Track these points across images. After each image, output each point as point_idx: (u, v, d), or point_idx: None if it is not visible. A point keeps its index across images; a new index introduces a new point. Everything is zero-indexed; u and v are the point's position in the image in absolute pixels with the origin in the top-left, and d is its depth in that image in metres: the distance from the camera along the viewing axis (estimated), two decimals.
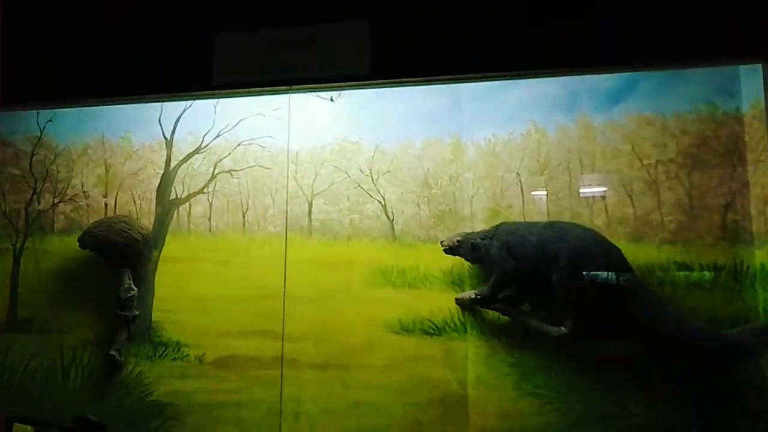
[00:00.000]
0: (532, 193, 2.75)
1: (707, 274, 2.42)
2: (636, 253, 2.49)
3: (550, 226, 2.60)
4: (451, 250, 2.73)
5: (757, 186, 2.38)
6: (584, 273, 2.43)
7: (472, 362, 2.74)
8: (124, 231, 2.73)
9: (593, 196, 2.66)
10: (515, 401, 2.63)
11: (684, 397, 2.36)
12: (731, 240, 2.44)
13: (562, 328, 2.51)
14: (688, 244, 2.49)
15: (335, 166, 2.90)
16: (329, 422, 2.72)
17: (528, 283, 2.63)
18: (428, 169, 2.90)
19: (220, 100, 2.96)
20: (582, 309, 2.48)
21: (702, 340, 2.30)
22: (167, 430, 2.69)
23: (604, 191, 2.65)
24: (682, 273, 2.45)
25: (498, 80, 2.79)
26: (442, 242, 2.74)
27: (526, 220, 2.73)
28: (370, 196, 2.88)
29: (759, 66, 2.45)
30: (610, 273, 2.42)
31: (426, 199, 2.89)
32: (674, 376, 2.38)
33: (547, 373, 2.61)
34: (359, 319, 2.81)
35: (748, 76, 2.51)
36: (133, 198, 2.89)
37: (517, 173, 2.78)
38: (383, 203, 2.88)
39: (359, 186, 2.88)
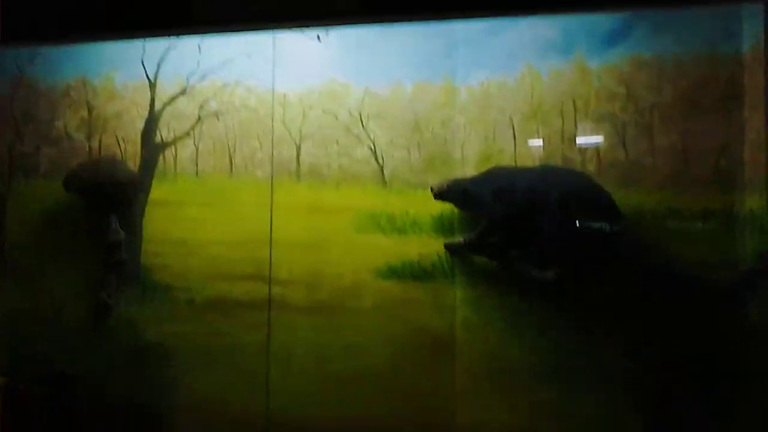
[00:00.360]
0: (525, 137, 2.70)
1: (698, 220, 2.41)
2: (627, 198, 2.47)
3: (541, 170, 2.57)
4: (440, 195, 2.70)
5: (752, 130, 2.34)
6: (573, 218, 2.41)
7: (460, 306, 2.76)
8: (109, 174, 2.68)
9: (586, 141, 2.62)
10: (502, 344, 2.67)
11: (668, 342, 2.39)
12: (723, 185, 2.42)
13: (550, 273, 2.52)
14: (679, 188, 2.46)
15: (324, 109, 2.83)
16: (319, 365, 2.76)
17: (517, 228, 2.62)
18: (419, 113, 2.84)
19: (205, 40, 2.85)
20: (570, 254, 2.48)
21: (690, 286, 2.31)
22: (158, 372, 2.73)
23: (598, 135, 2.61)
24: (672, 218, 2.44)
25: (492, 20, 2.69)
26: (432, 187, 2.71)
27: (518, 164, 2.69)
28: (360, 140, 2.83)
29: (760, 5, 2.36)
30: (599, 218, 2.41)
31: (417, 143, 2.84)
32: (659, 319, 2.41)
33: (533, 318, 2.64)
34: (348, 264, 2.81)
35: (749, 16, 2.43)
36: (118, 141, 2.82)
37: (510, 117, 2.73)
38: (373, 148, 2.83)
39: (348, 130, 2.83)
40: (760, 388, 1.82)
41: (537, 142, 2.69)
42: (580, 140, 2.62)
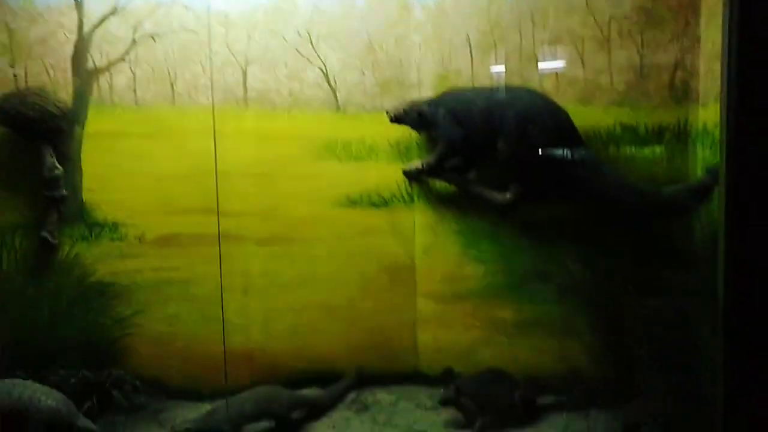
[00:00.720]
0: (482, 57, 2.60)
1: (651, 135, 2.41)
2: (584, 116, 2.44)
3: (498, 90, 2.51)
4: (397, 119, 2.61)
5: (708, 42, 2.31)
6: (530, 138, 2.37)
7: (419, 231, 2.74)
8: (38, 104, 2.46)
9: (544, 58, 2.54)
10: (461, 266, 2.69)
11: (620, 255, 2.45)
12: (678, 99, 2.41)
13: (507, 195, 2.50)
14: (635, 104, 2.45)
15: (270, 30, 2.64)
16: (278, 295, 2.73)
17: (475, 150, 2.57)
18: (372, 33, 2.68)
19: None
20: (526, 174, 2.46)
21: (640, 199, 2.34)
22: (113, 309, 2.65)
23: (556, 52, 2.54)
24: (627, 134, 2.43)
25: None
26: (387, 111, 2.62)
27: (475, 85, 2.61)
28: (310, 62, 2.67)
29: None
30: (556, 138, 2.38)
31: (370, 65, 2.70)
32: (612, 234, 2.46)
33: (491, 239, 2.65)
34: (304, 194, 2.74)
35: None
36: (46, 68, 2.58)
37: (467, 35, 2.61)
38: (324, 70, 2.68)
39: (297, 51, 2.66)
40: (702, 293, 1.89)
41: (494, 62, 2.61)
42: (539, 58, 2.55)
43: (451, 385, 2.37)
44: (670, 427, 1.96)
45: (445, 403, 2.37)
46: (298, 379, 2.67)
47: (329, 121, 2.71)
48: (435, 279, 2.73)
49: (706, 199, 2.19)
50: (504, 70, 2.59)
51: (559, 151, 2.37)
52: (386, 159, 2.71)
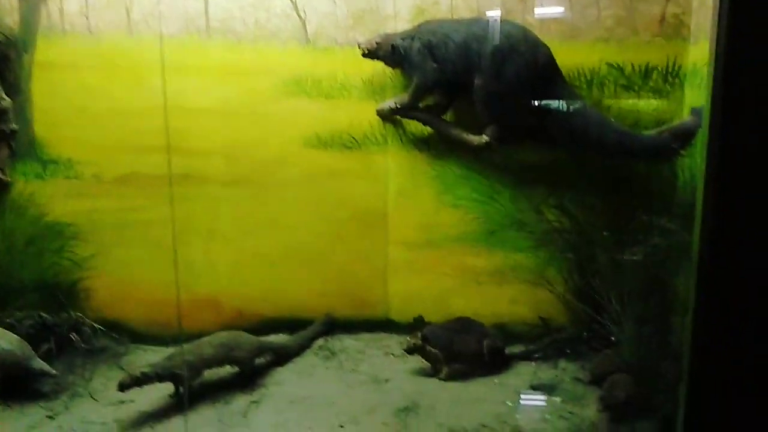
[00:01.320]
0: None
1: (638, 75, 2.26)
2: (567, 53, 2.28)
3: (476, 23, 2.32)
4: (369, 53, 2.43)
5: None
6: (508, 75, 2.21)
7: (393, 175, 2.62)
8: None
9: None
10: (435, 212, 2.58)
11: (598, 202, 2.35)
12: (668, 36, 2.24)
13: (484, 137, 2.36)
14: (623, 41, 2.28)
15: None
16: (245, 239, 2.63)
17: (451, 88, 2.42)
18: None
19: None
20: (504, 114, 2.31)
21: (621, 142, 2.21)
22: (71, 250, 2.55)
23: None
24: (613, 73, 2.28)
25: None
26: (359, 44, 2.44)
27: (455, 17, 2.43)
28: None
29: None
30: (535, 75, 2.21)
31: None
32: (590, 180, 2.34)
33: (467, 184, 2.53)
34: (272, 133, 2.59)
35: None
36: None
37: None
38: None
39: None
40: (681, 243, 1.80)
41: None
42: None
43: (418, 333, 2.30)
44: (639, 377, 1.91)
45: (411, 351, 2.32)
46: (266, 326, 2.61)
47: (298, 55, 2.54)
48: (408, 225, 2.62)
49: (689, 142, 2.07)
50: (485, 2, 2.41)
51: (539, 90, 2.22)
52: (359, 97, 2.56)
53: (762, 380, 1.30)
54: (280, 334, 2.61)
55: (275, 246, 2.65)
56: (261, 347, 2.43)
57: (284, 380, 2.33)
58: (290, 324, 2.63)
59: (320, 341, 2.59)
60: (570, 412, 2.01)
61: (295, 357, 2.50)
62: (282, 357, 2.48)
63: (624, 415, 1.91)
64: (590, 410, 2.01)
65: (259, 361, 2.41)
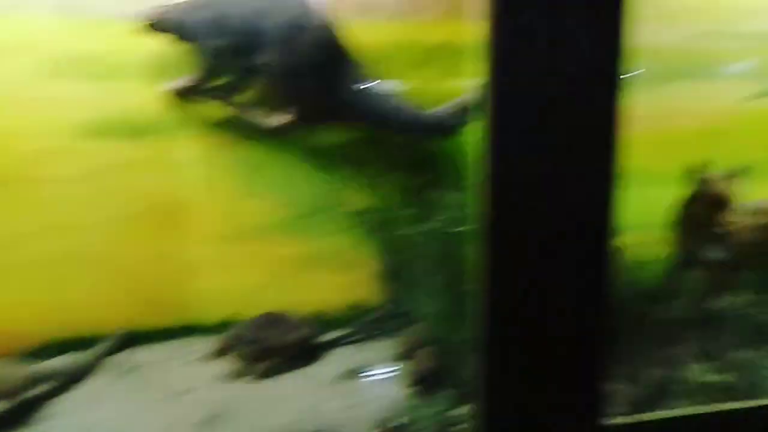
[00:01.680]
0: None
1: (426, 53, 2.30)
2: (357, 31, 2.23)
3: None
4: (151, 26, 2.17)
5: None
6: (295, 53, 2.10)
7: (189, 163, 2.36)
8: None
9: None
10: (237, 202, 2.40)
11: (397, 179, 2.35)
12: (452, 15, 2.31)
13: (275, 119, 2.23)
14: (411, 20, 2.31)
15: None
16: (13, 248, 2.21)
17: (243, 66, 2.25)
18: None
19: None
20: (293, 94, 2.20)
21: (407, 121, 2.23)
22: None
23: None
24: (403, 51, 2.29)
25: None
26: (141, 16, 2.15)
27: None
28: None
29: None
30: (324, 53, 2.14)
31: None
32: (388, 159, 2.34)
33: (271, 169, 2.39)
34: (37, 123, 2.20)
35: None
36: None
37: None
38: None
39: None
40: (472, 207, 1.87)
41: None
42: None
43: (224, 334, 2.12)
44: (440, 351, 1.94)
45: (219, 354, 2.12)
46: (47, 349, 2.22)
47: (63, 29, 2.18)
48: (210, 218, 2.40)
49: (470, 117, 2.14)
50: None
51: (329, 69, 2.15)
52: (140, 78, 2.27)
53: (549, 341, 1.37)
54: (67, 355, 2.24)
55: (52, 254, 2.25)
56: (35, 376, 2.06)
57: (69, 409, 1.99)
58: (77, 343, 2.27)
59: (113, 358, 2.27)
60: (382, 393, 1.98)
61: (81, 380, 2.16)
62: (67, 382, 2.13)
63: (431, 388, 1.91)
64: (401, 388, 2.00)
65: (35, 391, 2.04)
